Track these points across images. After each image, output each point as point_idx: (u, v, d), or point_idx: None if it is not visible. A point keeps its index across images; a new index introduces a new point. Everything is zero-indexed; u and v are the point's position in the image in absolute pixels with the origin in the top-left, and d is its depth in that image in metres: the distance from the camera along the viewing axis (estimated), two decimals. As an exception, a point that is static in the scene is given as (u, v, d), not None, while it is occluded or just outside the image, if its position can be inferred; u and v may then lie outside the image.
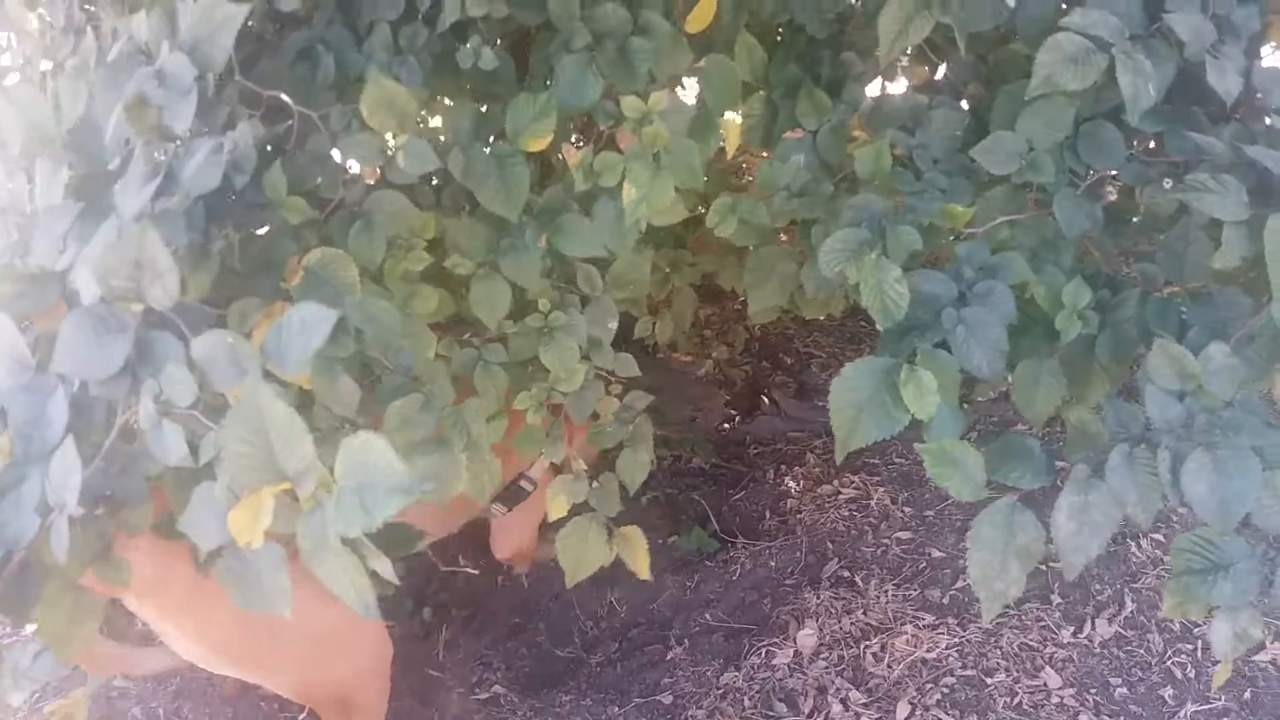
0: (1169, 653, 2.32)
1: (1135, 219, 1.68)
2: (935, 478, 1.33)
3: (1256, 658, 2.27)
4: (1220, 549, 1.28)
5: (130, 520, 1.43)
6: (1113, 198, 1.72)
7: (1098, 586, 2.50)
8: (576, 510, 1.90)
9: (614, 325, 1.97)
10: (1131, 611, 2.43)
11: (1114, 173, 1.63)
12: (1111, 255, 1.69)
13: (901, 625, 2.46)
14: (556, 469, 1.97)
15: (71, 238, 1.26)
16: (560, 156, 2.04)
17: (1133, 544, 2.59)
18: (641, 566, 1.87)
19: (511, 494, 2.43)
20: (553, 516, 1.88)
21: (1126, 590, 2.49)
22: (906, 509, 2.88)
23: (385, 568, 1.00)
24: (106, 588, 1.31)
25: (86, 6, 2.34)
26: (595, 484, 1.92)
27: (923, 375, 1.37)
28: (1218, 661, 1.34)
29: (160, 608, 1.71)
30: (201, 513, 1.08)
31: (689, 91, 2.13)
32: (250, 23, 1.80)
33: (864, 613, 2.50)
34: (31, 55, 2.49)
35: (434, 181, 1.84)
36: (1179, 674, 2.27)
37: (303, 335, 1.08)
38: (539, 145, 1.62)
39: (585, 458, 2.02)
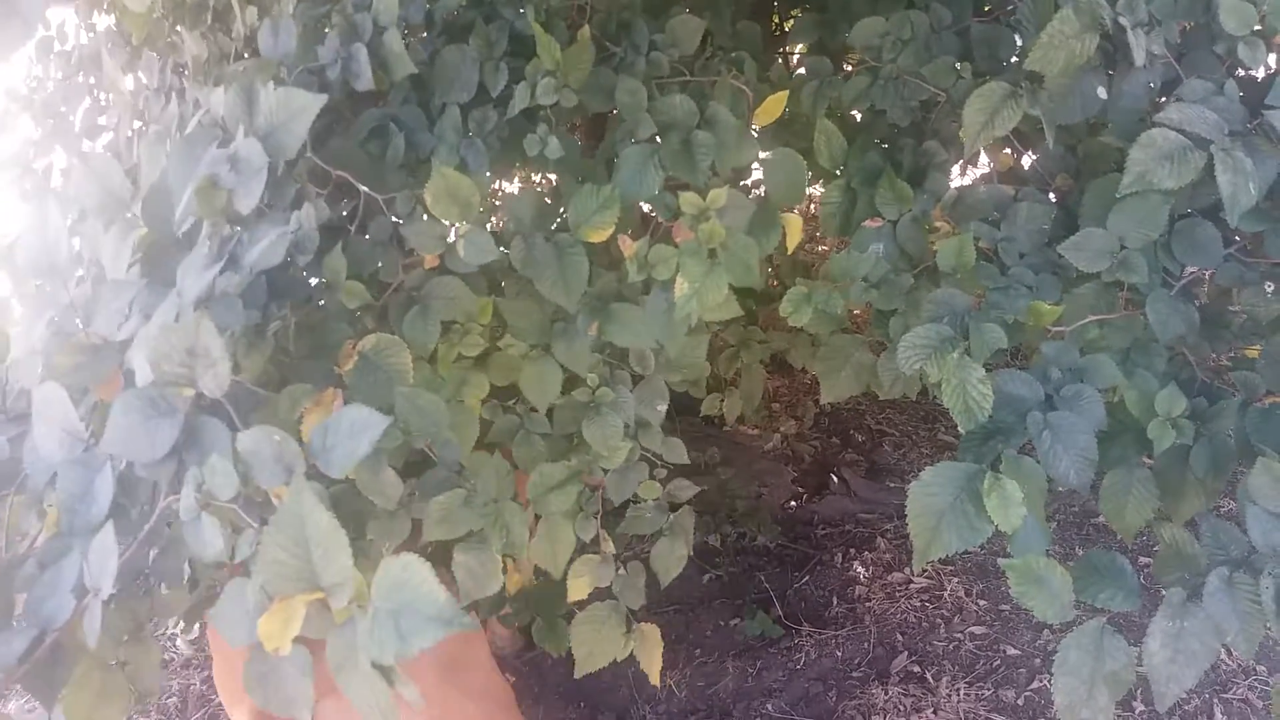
0: (1263, 772, 2.19)
1: (1234, 323, 1.59)
2: (1019, 597, 1.26)
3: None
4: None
5: (167, 603, 1.43)
6: (1209, 299, 1.64)
7: (1185, 695, 2.36)
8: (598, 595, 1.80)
9: (663, 408, 1.91)
10: (1221, 724, 2.30)
11: (1210, 273, 1.56)
12: (1208, 361, 1.61)
13: (974, 727, 2.36)
14: None
15: (134, 308, 1.27)
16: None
17: (1223, 651, 2.45)
18: (653, 670, 1.77)
19: None
20: (573, 597, 1.79)
21: (1216, 700, 2.36)
22: (981, 602, 2.77)
23: (412, 693, 0.95)
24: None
25: (180, 68, 2.41)
26: (622, 570, 1.82)
27: (1007, 485, 1.30)
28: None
29: None
30: (232, 609, 1.05)
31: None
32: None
33: (934, 712, 2.40)
34: (123, 116, 2.57)
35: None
36: (1274, 796, 2.13)
37: (351, 439, 1.06)
38: (600, 237, 1.60)
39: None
